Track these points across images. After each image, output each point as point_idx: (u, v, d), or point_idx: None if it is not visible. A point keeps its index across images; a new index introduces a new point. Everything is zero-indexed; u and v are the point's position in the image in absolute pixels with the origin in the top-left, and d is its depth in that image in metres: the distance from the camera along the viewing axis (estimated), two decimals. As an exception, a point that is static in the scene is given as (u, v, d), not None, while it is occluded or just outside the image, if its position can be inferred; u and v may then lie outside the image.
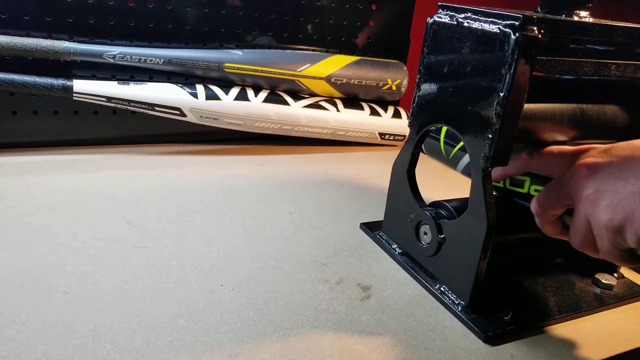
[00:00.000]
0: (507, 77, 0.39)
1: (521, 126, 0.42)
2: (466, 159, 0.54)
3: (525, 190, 0.49)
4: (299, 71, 0.79)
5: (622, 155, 0.38)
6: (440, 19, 0.46)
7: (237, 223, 0.57)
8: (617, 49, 0.45)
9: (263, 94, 0.78)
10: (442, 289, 0.47)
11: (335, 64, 0.82)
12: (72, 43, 0.68)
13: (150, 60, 0.72)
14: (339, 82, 0.82)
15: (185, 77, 0.78)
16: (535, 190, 0.48)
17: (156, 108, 0.72)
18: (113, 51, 0.70)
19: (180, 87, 0.74)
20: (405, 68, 0.87)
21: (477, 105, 0.42)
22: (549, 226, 0.44)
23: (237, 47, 0.79)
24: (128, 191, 0.62)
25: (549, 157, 0.45)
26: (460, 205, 0.47)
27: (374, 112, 0.85)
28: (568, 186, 0.40)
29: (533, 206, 0.44)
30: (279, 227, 0.58)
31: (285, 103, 0.79)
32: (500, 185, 0.51)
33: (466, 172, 0.54)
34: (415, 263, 0.51)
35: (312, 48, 0.85)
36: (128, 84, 0.71)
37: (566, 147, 0.44)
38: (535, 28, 0.39)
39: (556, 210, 0.42)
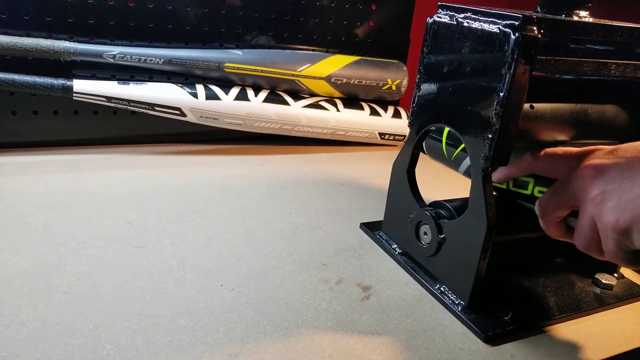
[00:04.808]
0: (507, 77, 0.39)
1: (521, 126, 0.42)
2: (468, 160, 0.53)
3: (529, 192, 0.48)
4: (299, 71, 0.79)
5: (629, 157, 0.37)
6: (440, 19, 0.46)
7: (237, 223, 0.57)
8: (616, 48, 0.45)
9: (263, 94, 0.78)
10: (442, 289, 0.47)
11: (335, 64, 0.82)
12: (72, 43, 0.68)
13: (150, 60, 0.72)
14: (339, 82, 0.82)
15: (185, 77, 0.78)
16: (539, 192, 0.47)
17: (156, 108, 0.72)
18: (113, 51, 0.70)
19: (180, 87, 0.74)
20: (405, 68, 0.87)
21: (477, 105, 0.42)
22: (553, 228, 0.43)
23: (237, 47, 0.79)
24: (128, 191, 0.62)
25: (554, 159, 0.44)
26: (460, 205, 0.47)
27: (374, 112, 0.85)
28: (573, 188, 0.40)
29: (537, 208, 0.43)
30: (279, 227, 0.58)
31: (285, 103, 0.79)
32: (504, 187, 0.50)
33: (468, 173, 0.53)
34: (415, 263, 0.51)
35: (312, 48, 0.85)
36: (128, 84, 0.71)
37: (571, 148, 0.44)
38: (535, 28, 0.39)
39: (561, 212, 0.42)
